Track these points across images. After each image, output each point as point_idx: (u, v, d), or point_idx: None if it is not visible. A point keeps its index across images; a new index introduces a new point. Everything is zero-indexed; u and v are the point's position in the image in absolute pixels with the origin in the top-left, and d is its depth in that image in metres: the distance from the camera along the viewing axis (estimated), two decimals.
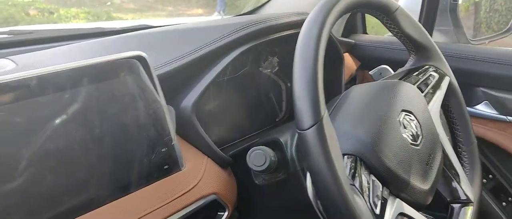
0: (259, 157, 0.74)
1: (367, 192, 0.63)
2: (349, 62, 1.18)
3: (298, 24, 0.87)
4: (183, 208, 0.68)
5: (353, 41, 1.21)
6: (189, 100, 0.73)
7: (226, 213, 0.74)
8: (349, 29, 1.25)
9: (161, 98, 0.66)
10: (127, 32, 0.94)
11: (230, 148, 0.89)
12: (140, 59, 0.64)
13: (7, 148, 0.52)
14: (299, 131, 0.59)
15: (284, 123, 1.05)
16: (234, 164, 0.82)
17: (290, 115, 1.06)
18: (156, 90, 0.66)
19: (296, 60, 0.61)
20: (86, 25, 1.12)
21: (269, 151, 0.74)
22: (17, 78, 0.53)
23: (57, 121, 0.57)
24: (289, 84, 1.05)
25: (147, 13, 5.39)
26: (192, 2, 5.95)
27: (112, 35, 0.97)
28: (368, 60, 1.19)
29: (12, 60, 0.75)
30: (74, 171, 0.58)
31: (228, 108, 0.92)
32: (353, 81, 1.18)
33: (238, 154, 0.84)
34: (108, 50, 0.81)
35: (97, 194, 0.60)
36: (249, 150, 0.81)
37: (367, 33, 1.29)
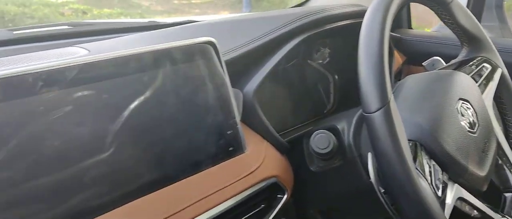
0: (323, 140, 0.76)
1: (429, 176, 0.65)
2: (395, 57, 1.19)
3: (353, 15, 0.89)
4: (246, 189, 0.70)
5: (399, 35, 1.23)
6: (251, 85, 0.76)
7: (285, 196, 0.76)
8: (394, 24, 1.26)
9: (228, 82, 0.69)
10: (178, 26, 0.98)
11: (283, 136, 0.91)
12: (211, 44, 0.67)
13: (97, 122, 0.56)
14: (365, 114, 0.61)
15: (332, 114, 1.07)
16: (288, 151, 0.84)
17: (338, 107, 1.08)
18: (224, 74, 0.69)
19: (362, 44, 0.63)
20: (139, 20, 1.15)
21: (332, 135, 0.76)
22: (104, 58, 0.57)
23: (137, 100, 0.60)
24: (336, 77, 1.07)
25: (175, 15, 5.46)
26: (218, 5, 6.00)
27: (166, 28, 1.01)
28: (414, 54, 1.21)
29: (83, 48, 0.79)
30: (151, 148, 0.61)
31: (280, 98, 0.95)
32: (398, 75, 1.19)
33: (292, 141, 0.87)
34: (170, 39, 0.84)
35: (172, 170, 0.63)
36: (303, 138, 0.84)
37: (412, 28, 1.30)
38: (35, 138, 0.50)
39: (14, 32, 0.93)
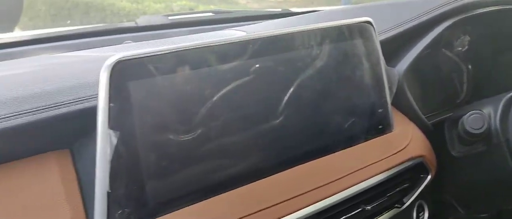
0: (477, 121, 0.76)
1: None
2: None
3: (501, 1, 0.88)
4: (395, 166, 0.73)
5: None
6: (401, 66, 0.78)
7: (429, 177, 0.78)
8: None
9: (383, 62, 0.72)
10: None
11: None
12: (370, 24, 0.70)
13: (269, 93, 0.61)
14: None
15: (464, 105, 1.05)
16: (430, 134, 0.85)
17: (471, 97, 1.07)
18: (380, 54, 0.72)
19: None
20: (272, 9, 1.22)
21: (487, 116, 0.76)
22: (279, 33, 0.62)
23: (302, 74, 0.65)
24: (470, 66, 1.06)
25: None
26: (315, 2, 5.99)
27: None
28: None
29: (239, 30, 0.85)
30: (312, 119, 0.65)
31: (419, 83, 0.96)
32: None
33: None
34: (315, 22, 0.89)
35: (329, 142, 0.67)
36: (444, 122, 0.84)
37: None
38: (221, 102, 0.57)
39: (169, 18, 1.03)
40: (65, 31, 0.95)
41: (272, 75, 0.62)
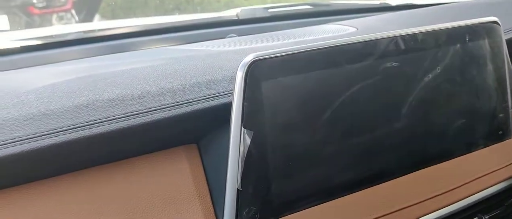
0: None
1: None
2: None
3: None
4: None
5: None
6: None
7: None
8: None
9: (507, 63, 0.68)
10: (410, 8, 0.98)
11: None
12: (497, 24, 0.66)
13: (393, 94, 0.59)
14: None
15: None
16: None
17: None
18: (505, 55, 0.67)
19: None
20: (370, 2, 1.18)
21: None
22: (406, 34, 0.60)
23: (426, 75, 0.62)
24: None
25: None
26: None
27: (399, 10, 1.02)
28: None
29: (346, 25, 0.84)
30: (434, 122, 0.63)
31: None
32: None
33: None
34: (426, 19, 0.85)
35: (449, 147, 0.64)
36: None
37: None
38: (347, 103, 0.55)
39: (269, 10, 1.02)
40: (167, 23, 0.97)
41: (395, 77, 0.60)
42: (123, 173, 0.52)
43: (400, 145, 0.60)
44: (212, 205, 0.53)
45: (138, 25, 0.96)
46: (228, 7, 1.37)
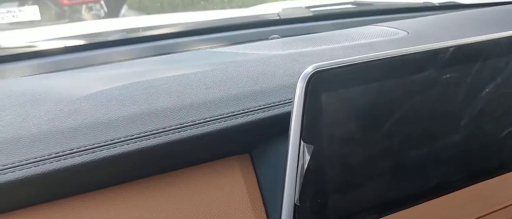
0: None
1: None
2: None
3: None
4: None
5: None
6: None
7: None
8: None
9: None
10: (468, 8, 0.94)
11: None
12: None
13: (455, 105, 0.56)
14: None
15: None
16: None
17: None
18: None
19: None
20: (413, 1, 1.14)
21: None
22: (467, 43, 0.57)
23: (483, 86, 0.59)
24: None
25: None
26: None
27: (443, 9, 0.99)
28: None
29: (396, 28, 0.81)
30: (494, 136, 0.60)
31: None
32: None
33: None
34: (481, 20, 0.82)
35: (508, 159, 0.62)
36: None
37: None
38: (408, 116, 0.53)
39: (311, 9, 1.00)
40: (209, 22, 0.96)
41: (455, 87, 0.57)
42: (176, 184, 0.51)
43: (458, 158, 0.57)
44: (266, 217, 0.52)
45: (180, 25, 0.95)
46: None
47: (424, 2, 1.13)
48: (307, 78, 0.47)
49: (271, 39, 0.89)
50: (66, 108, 0.51)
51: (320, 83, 0.47)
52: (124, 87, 0.56)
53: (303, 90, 0.47)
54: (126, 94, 0.54)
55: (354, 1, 1.09)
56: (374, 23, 0.97)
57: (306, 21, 0.99)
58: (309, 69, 0.47)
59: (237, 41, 0.90)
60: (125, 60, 0.80)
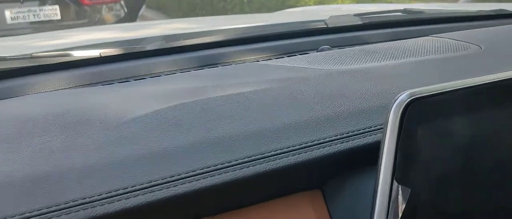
0: None
1: None
2: None
3: None
4: None
5: None
6: None
7: None
8: None
9: None
10: None
11: None
12: None
13: None
14: None
15: None
16: None
17: None
18: None
19: None
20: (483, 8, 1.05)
21: None
22: None
23: None
24: None
25: None
26: None
27: None
28: None
29: (465, 41, 0.73)
30: None
31: None
32: None
33: None
34: None
35: None
36: None
37: None
38: (505, 149, 0.46)
39: (360, 17, 0.93)
40: (253, 30, 0.89)
41: None
42: None
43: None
44: None
45: (223, 33, 0.89)
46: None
47: (478, 11, 1.05)
48: (402, 107, 0.39)
49: (322, 50, 0.81)
50: (114, 134, 0.44)
51: (417, 113, 0.40)
52: (177, 109, 0.49)
53: (398, 121, 0.39)
54: (181, 118, 0.47)
55: (405, 9, 1.01)
56: (430, 34, 0.89)
57: (355, 30, 0.92)
58: (404, 97, 0.40)
59: (285, 51, 0.83)
60: (169, 71, 0.73)
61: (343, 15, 0.95)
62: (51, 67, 0.69)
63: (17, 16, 3.69)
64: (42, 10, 3.87)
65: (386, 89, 0.54)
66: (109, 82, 0.68)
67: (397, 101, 0.39)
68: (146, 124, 0.46)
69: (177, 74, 0.69)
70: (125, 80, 0.69)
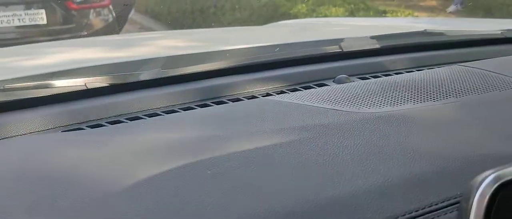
0: None
1: None
2: None
3: None
4: None
5: None
6: None
7: None
8: None
9: None
10: None
11: None
12: None
13: None
14: None
15: None
16: None
17: None
18: None
19: None
20: None
21: None
22: None
23: None
24: None
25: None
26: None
27: None
28: None
29: (504, 74, 0.64)
30: None
31: None
32: None
33: None
34: None
35: None
36: None
37: None
38: None
39: (377, 41, 0.83)
40: (260, 57, 0.78)
41: None
42: None
43: None
44: None
45: (224, 56, 0.78)
46: None
47: (502, 32, 0.96)
48: (489, 196, 0.30)
49: (339, 81, 0.72)
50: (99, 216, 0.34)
51: (507, 200, 0.30)
52: (182, 175, 0.39)
53: (483, 212, 0.30)
54: (198, 193, 0.37)
55: (424, 31, 0.92)
56: (456, 59, 0.80)
57: (372, 55, 0.82)
58: (489, 180, 0.30)
59: (298, 81, 0.72)
60: (166, 107, 0.62)
61: (359, 38, 0.86)
62: (27, 103, 0.58)
63: (1, 20, 3.54)
64: (27, 14, 3.71)
65: (443, 147, 0.44)
66: (97, 121, 0.58)
67: (482, 187, 0.30)
68: (142, 201, 0.36)
69: (178, 113, 0.59)
70: (116, 119, 0.58)
